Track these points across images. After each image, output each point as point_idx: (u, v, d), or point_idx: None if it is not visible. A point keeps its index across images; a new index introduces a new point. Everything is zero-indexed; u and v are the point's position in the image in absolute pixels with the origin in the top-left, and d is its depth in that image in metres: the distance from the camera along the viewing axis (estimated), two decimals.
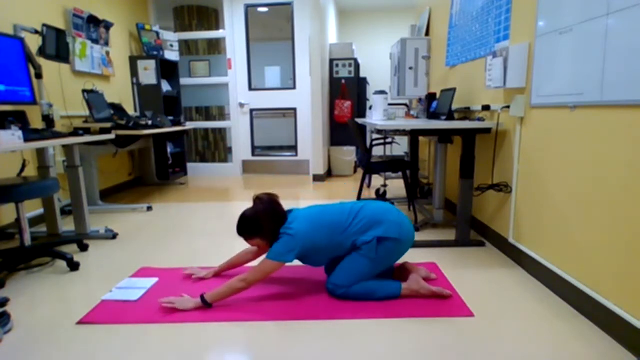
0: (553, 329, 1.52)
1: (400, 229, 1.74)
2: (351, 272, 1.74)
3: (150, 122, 3.84)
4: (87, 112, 3.45)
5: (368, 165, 2.97)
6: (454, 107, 3.00)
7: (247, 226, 1.74)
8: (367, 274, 1.74)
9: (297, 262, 2.23)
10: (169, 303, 1.69)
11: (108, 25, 3.96)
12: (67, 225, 2.94)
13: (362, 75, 6.52)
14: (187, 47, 5.29)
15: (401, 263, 1.99)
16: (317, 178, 4.88)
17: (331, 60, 5.28)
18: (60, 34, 3.09)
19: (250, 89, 5.15)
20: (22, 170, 2.80)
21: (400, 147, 6.01)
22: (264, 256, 1.71)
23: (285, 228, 1.71)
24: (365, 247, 1.71)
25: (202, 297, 1.68)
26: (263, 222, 1.72)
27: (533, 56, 1.94)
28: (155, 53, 4.50)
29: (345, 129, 5.39)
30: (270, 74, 5.24)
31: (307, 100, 5.00)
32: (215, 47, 5.30)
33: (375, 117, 3.06)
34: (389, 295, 1.75)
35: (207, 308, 1.69)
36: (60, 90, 3.33)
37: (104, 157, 3.98)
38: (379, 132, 3.52)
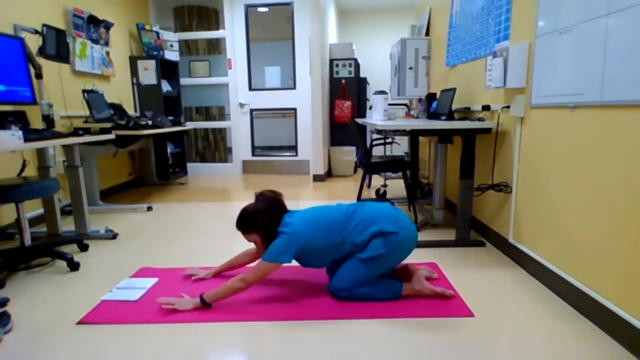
0: (553, 329, 1.52)
1: (397, 224, 1.71)
2: (352, 276, 1.73)
3: (150, 122, 3.84)
4: (87, 112, 3.45)
5: (368, 165, 2.97)
6: (454, 107, 3.00)
7: (246, 221, 1.75)
8: (368, 277, 1.73)
9: (295, 262, 2.23)
10: (168, 304, 1.69)
11: (108, 25, 3.96)
12: (67, 225, 2.94)
13: (362, 75, 6.52)
14: (187, 47, 5.29)
15: (403, 265, 1.98)
16: (317, 178, 4.88)
17: (331, 60, 5.28)
18: (60, 34, 3.09)
19: (250, 89, 5.15)
20: (22, 170, 2.80)
21: (400, 147, 6.00)
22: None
23: (283, 227, 1.71)
24: (366, 249, 1.69)
25: (201, 297, 1.68)
26: (261, 219, 1.73)
27: (533, 56, 1.94)
28: (155, 53, 4.49)
29: (345, 129, 5.39)
30: (270, 74, 5.24)
31: (307, 100, 5.00)
32: (215, 47, 5.30)
33: (375, 117, 3.05)
34: (390, 297, 1.75)
35: (206, 308, 1.69)
36: (60, 90, 3.33)
37: (104, 157, 3.98)
38: (379, 132, 3.52)
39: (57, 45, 3.07)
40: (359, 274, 1.72)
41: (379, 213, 1.74)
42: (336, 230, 1.72)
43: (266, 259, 1.66)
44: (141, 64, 4.40)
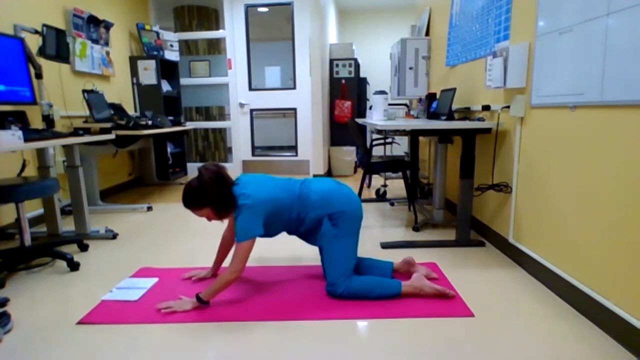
0: (553, 329, 1.52)
1: (343, 201, 1.77)
2: (335, 260, 1.75)
3: (150, 122, 3.84)
4: (87, 112, 3.45)
5: (368, 165, 2.97)
6: (454, 107, 3.00)
7: (194, 196, 1.67)
8: (347, 252, 1.77)
9: (295, 262, 2.23)
10: (167, 308, 1.69)
11: (108, 25, 3.96)
12: (67, 225, 2.94)
13: (362, 75, 6.52)
14: (187, 47, 5.29)
15: (403, 259, 1.99)
16: None
17: (331, 60, 5.28)
18: (60, 34, 3.10)
19: (250, 89, 5.15)
20: (22, 170, 2.80)
21: (400, 147, 6.01)
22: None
23: (243, 200, 1.64)
24: (323, 231, 1.76)
25: (197, 296, 1.68)
26: (210, 190, 1.64)
27: (533, 56, 1.94)
28: (155, 53, 4.49)
29: (345, 129, 5.39)
30: (270, 74, 5.24)
31: (307, 100, 5.00)
32: (215, 47, 5.30)
33: (375, 117, 3.06)
34: (390, 293, 1.75)
35: (205, 306, 1.69)
36: (60, 90, 3.32)
37: (104, 157, 3.98)
38: (379, 132, 3.52)
39: (57, 45, 3.07)
40: (339, 255, 1.75)
41: (327, 193, 1.77)
42: (292, 197, 1.76)
43: (240, 239, 1.62)
44: (141, 64, 4.40)
